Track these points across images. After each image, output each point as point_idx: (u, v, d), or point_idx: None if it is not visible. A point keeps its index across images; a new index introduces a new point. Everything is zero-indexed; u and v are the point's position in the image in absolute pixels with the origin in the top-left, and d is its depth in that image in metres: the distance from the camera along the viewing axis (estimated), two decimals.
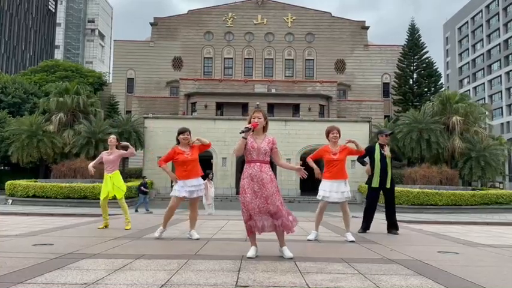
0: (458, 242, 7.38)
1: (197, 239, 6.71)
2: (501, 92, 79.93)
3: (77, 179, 27.30)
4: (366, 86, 52.19)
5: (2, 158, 38.29)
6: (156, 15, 57.38)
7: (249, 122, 5.11)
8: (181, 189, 6.69)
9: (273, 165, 5.32)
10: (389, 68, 51.63)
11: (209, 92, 46.61)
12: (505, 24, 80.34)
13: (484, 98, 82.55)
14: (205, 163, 37.09)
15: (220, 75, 52.57)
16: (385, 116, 47.66)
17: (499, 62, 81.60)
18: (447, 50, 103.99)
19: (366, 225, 8.19)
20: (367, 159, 8.14)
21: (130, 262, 4.56)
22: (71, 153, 32.33)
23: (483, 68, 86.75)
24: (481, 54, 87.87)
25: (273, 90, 47.32)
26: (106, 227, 8.39)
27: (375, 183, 7.97)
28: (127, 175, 34.54)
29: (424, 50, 48.87)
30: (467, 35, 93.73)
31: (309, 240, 6.80)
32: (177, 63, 53.20)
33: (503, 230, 11.07)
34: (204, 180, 7.89)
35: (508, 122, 76.35)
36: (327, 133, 7.08)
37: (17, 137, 33.33)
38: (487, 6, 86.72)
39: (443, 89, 51.06)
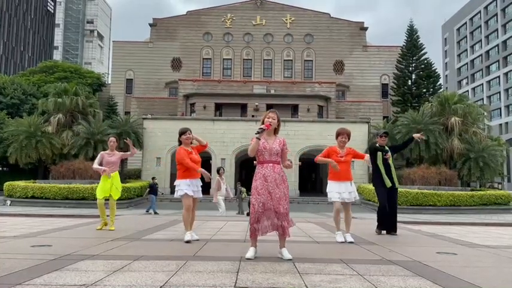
0: (457, 242, 7.39)
1: (197, 240, 6.71)
2: (500, 92, 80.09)
3: (75, 180, 27.26)
4: (364, 86, 52.23)
5: (0, 159, 38.25)
6: (155, 16, 57.39)
7: (263, 122, 5.13)
8: (188, 188, 6.63)
9: None
10: (388, 69, 51.69)
11: (208, 92, 46.61)
12: (504, 25, 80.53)
13: (483, 99, 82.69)
14: (204, 164, 37.12)
15: (219, 76, 52.59)
16: (384, 117, 47.71)
17: (497, 63, 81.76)
18: (446, 50, 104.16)
19: (382, 228, 8.21)
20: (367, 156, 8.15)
21: (129, 263, 4.56)
22: (69, 154, 32.31)
23: (482, 69, 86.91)
24: (480, 55, 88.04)
25: (272, 91, 47.34)
26: (105, 225, 8.38)
27: (387, 183, 8.01)
28: (126, 176, 34.52)
29: (423, 51, 48.95)
30: (466, 36, 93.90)
31: (340, 242, 6.75)
32: (176, 64, 53.20)
33: (501, 231, 11.07)
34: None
35: (506, 123, 76.48)
36: (337, 135, 7.18)
37: (15, 138, 33.29)
38: (486, 7, 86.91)
39: (442, 89, 51.13)
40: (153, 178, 24.52)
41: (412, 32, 49.61)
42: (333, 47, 53.10)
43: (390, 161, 8.09)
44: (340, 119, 43.24)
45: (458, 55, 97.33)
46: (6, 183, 26.57)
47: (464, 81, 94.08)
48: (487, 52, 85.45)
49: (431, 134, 31.38)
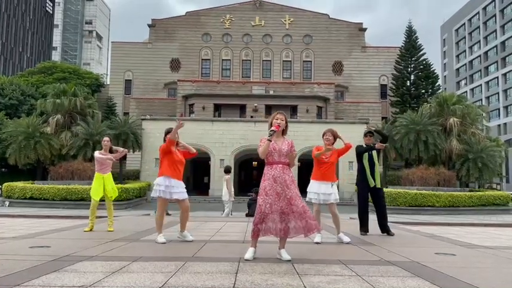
0: (456, 243, 7.40)
1: (191, 241, 6.66)
2: (498, 93, 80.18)
3: (74, 181, 27.21)
4: (363, 87, 52.28)
5: None
6: (154, 17, 57.31)
7: (271, 124, 5.16)
8: (165, 188, 6.45)
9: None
10: (387, 70, 51.76)
11: (207, 93, 46.60)
12: (502, 26, 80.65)
13: (481, 100, 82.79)
14: (203, 165, 37.10)
15: (218, 76, 52.59)
16: (383, 118, 47.76)
17: (496, 63, 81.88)
18: (444, 51, 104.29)
19: (365, 228, 8.17)
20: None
21: (128, 264, 4.56)
22: (68, 155, 32.25)
23: (480, 70, 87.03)
24: (478, 56, 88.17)
25: (271, 92, 47.35)
26: (91, 230, 8.21)
27: (370, 183, 7.99)
28: (125, 177, 34.50)
29: (422, 52, 49.04)
30: (465, 37, 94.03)
31: (317, 243, 6.67)
32: (175, 64, 53.19)
33: (500, 232, 11.09)
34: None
35: (505, 124, 76.58)
36: (322, 135, 7.14)
37: (14, 138, 33.24)
38: (484, 8, 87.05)
39: (441, 90, 51.22)
40: None
41: (410, 33, 49.69)
42: (332, 48, 53.15)
43: (376, 161, 8.04)
44: (339, 119, 43.27)
45: (457, 56, 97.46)
46: (5, 184, 26.51)
47: (463, 82, 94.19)
48: (486, 53, 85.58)
49: (430, 134, 31.42)
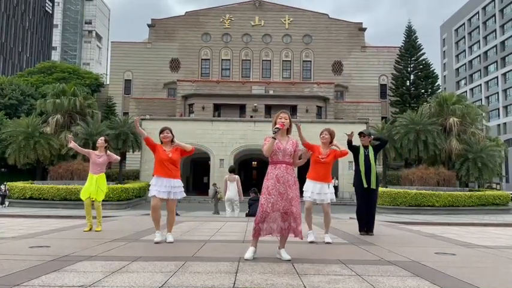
0: (456, 243, 7.39)
1: (171, 242, 6.47)
2: (498, 93, 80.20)
3: (74, 181, 27.20)
4: (363, 87, 52.29)
5: None
6: (154, 16, 57.26)
7: (275, 123, 5.15)
8: (153, 188, 6.49)
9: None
10: (387, 70, 51.78)
11: (206, 93, 46.60)
12: (502, 26, 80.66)
13: (481, 100, 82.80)
14: (203, 165, 37.09)
15: (217, 76, 52.59)
16: (383, 117, 47.77)
17: (495, 63, 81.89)
18: (444, 51, 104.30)
19: (365, 227, 8.16)
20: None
21: (128, 264, 4.55)
22: (68, 155, 32.25)
23: (480, 70, 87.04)
24: (478, 56, 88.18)
25: (271, 92, 47.35)
26: (90, 229, 8.18)
27: (364, 183, 8.00)
28: (124, 177, 34.50)
29: (421, 52, 49.09)
30: (464, 37, 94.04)
31: (311, 242, 6.68)
32: (175, 64, 53.19)
33: (500, 231, 11.09)
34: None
35: (504, 123, 76.59)
36: (319, 134, 7.12)
37: (13, 138, 33.24)
38: (484, 8, 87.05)
39: (440, 90, 51.27)
40: None
41: (410, 33, 49.73)
42: (332, 48, 53.15)
43: (372, 161, 8.03)
44: (338, 119, 43.28)
45: (457, 56, 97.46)
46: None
47: (463, 82, 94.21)
48: (485, 53, 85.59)
49: (429, 134, 31.43)
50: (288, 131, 5.26)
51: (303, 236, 5.12)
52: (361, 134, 8.21)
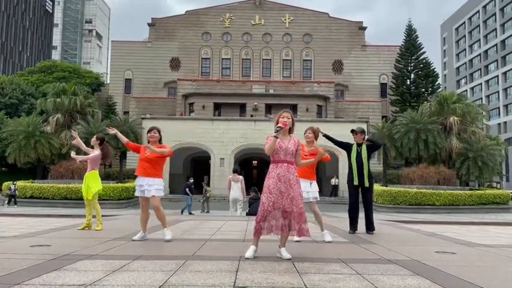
0: (456, 242, 7.40)
1: (169, 241, 6.50)
2: (498, 92, 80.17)
3: (74, 180, 27.21)
4: (363, 86, 52.24)
5: None
6: (154, 16, 57.28)
7: (277, 122, 5.15)
8: (139, 187, 6.69)
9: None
10: (387, 69, 51.71)
11: (207, 92, 46.59)
12: (502, 25, 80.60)
13: (481, 99, 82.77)
14: (204, 164, 37.09)
15: (218, 75, 52.57)
16: (383, 116, 47.73)
17: (496, 62, 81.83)
18: (444, 50, 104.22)
19: (354, 227, 8.15)
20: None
21: (128, 263, 4.56)
22: (68, 154, 32.17)
23: (480, 69, 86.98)
24: (478, 55, 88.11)
25: (271, 91, 47.35)
26: (87, 228, 8.14)
27: (355, 181, 7.99)
28: (125, 176, 34.49)
29: (422, 51, 49.02)
30: (465, 36, 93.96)
31: (295, 241, 6.66)
32: (175, 63, 53.16)
33: (500, 230, 11.10)
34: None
35: (505, 122, 76.57)
36: (304, 133, 7.12)
37: (14, 137, 33.24)
38: (484, 7, 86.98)
39: (441, 89, 51.23)
40: (189, 178, 24.74)
41: (410, 32, 49.67)
42: (332, 47, 53.10)
43: (364, 160, 8.00)
44: (339, 118, 43.29)
45: (457, 54, 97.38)
46: (5, 183, 26.55)
47: (463, 81, 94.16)
48: (486, 51, 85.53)
49: (430, 133, 31.40)
50: (291, 130, 5.25)
51: (310, 234, 5.12)
52: (353, 131, 8.21)
